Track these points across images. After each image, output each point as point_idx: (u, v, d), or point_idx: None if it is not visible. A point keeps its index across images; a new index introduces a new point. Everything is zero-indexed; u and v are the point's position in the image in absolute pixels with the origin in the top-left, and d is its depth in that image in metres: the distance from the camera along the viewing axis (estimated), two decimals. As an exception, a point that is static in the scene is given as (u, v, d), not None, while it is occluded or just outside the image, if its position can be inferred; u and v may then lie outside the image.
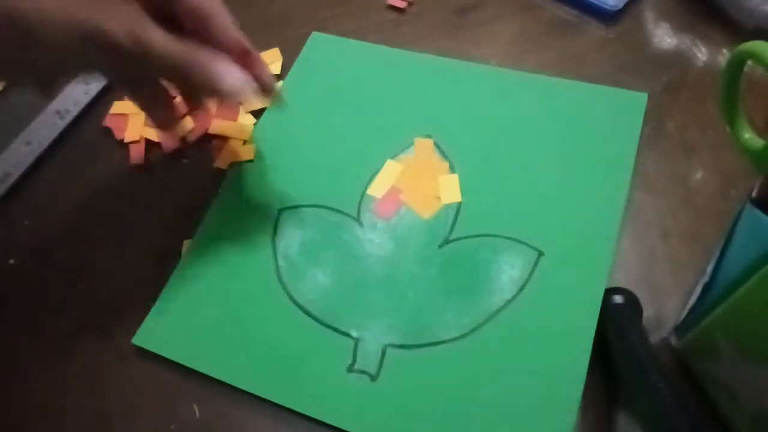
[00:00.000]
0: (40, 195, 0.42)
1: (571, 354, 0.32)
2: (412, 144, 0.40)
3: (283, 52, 0.45)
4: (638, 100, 0.40)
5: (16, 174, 0.42)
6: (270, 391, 0.33)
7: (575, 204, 0.36)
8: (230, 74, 0.31)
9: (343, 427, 0.31)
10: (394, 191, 0.39)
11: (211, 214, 0.39)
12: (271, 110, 0.43)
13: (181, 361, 0.34)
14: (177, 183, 0.41)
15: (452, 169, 0.39)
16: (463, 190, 0.38)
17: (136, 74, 0.31)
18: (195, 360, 0.34)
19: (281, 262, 0.37)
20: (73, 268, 0.38)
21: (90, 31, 0.28)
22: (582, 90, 0.41)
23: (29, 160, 0.43)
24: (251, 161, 0.41)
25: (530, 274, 0.34)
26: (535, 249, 0.35)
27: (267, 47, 0.46)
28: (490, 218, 0.37)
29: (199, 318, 0.35)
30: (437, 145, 0.40)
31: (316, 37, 0.46)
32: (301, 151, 0.41)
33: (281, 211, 0.39)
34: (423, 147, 0.40)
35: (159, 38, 0.29)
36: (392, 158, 0.40)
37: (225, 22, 0.32)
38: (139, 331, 0.35)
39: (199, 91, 0.34)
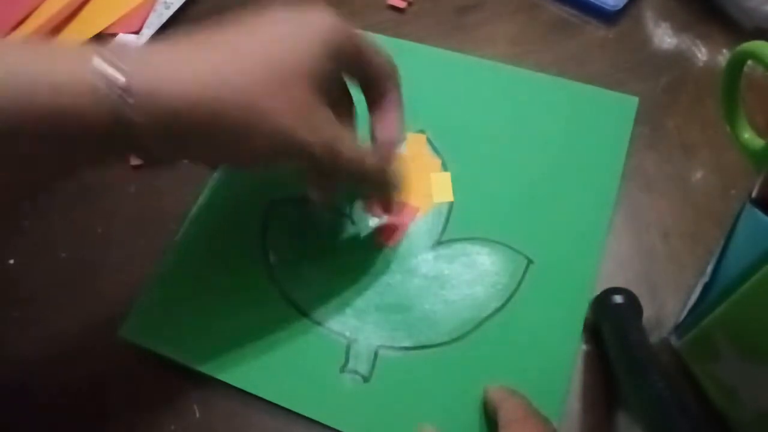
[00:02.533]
0: (40, 195, 0.42)
1: (555, 364, 0.32)
2: (404, 138, 0.40)
3: (283, 52, 0.45)
4: (629, 104, 0.40)
5: (16, 174, 0.42)
6: (261, 388, 0.33)
7: (564, 210, 0.36)
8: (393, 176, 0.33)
9: (336, 427, 0.31)
10: None
11: (200, 204, 0.39)
12: None
13: (168, 355, 0.34)
14: (177, 181, 0.41)
15: (444, 167, 0.39)
16: (455, 189, 0.38)
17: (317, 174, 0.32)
18: (183, 354, 0.34)
19: (272, 257, 0.37)
20: (73, 267, 0.38)
21: (291, 150, 0.28)
22: (576, 90, 0.41)
23: (29, 160, 0.42)
24: None
25: (519, 283, 0.34)
26: (525, 257, 0.35)
27: (267, 47, 0.46)
28: (481, 220, 0.36)
29: (186, 311, 0.35)
30: (430, 141, 0.40)
31: None
32: None
33: (272, 203, 0.38)
34: (416, 142, 0.40)
35: (350, 150, 0.30)
36: None
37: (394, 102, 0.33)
38: (124, 324, 0.35)
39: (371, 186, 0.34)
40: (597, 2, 0.45)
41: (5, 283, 0.38)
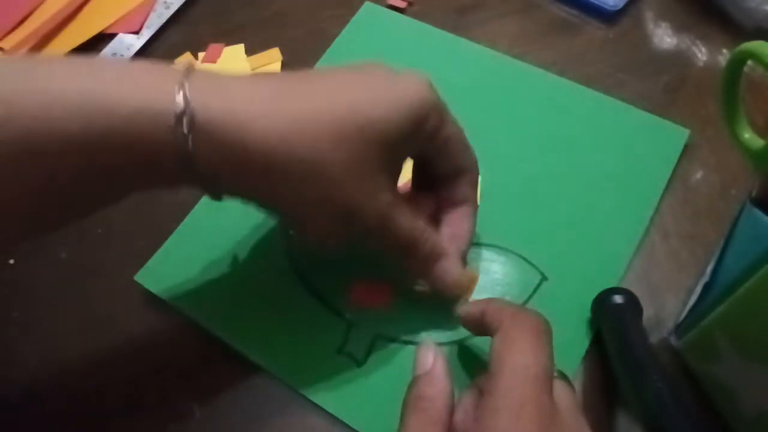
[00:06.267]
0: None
1: None
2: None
3: (283, 52, 0.45)
4: (679, 135, 0.38)
5: (16, 174, 0.42)
6: (257, 353, 0.33)
7: (589, 233, 0.36)
8: (447, 271, 0.32)
9: (320, 404, 0.32)
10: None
11: None
12: None
13: (176, 306, 0.35)
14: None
15: None
16: (482, 193, 0.37)
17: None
18: (190, 307, 0.35)
19: (291, 230, 0.37)
20: (73, 267, 0.38)
21: (345, 211, 0.28)
22: (625, 112, 0.39)
23: (29, 160, 0.42)
24: None
25: (529, 297, 0.34)
26: (539, 272, 0.35)
27: (267, 47, 0.46)
28: (503, 229, 0.36)
29: (203, 267, 0.36)
30: None
31: (367, 7, 0.46)
32: None
33: None
34: None
35: (403, 225, 0.30)
36: None
37: (468, 182, 0.33)
38: (142, 270, 0.36)
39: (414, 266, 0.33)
40: (597, 2, 0.45)
41: (5, 283, 0.38)
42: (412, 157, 0.32)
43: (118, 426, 0.33)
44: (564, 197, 0.37)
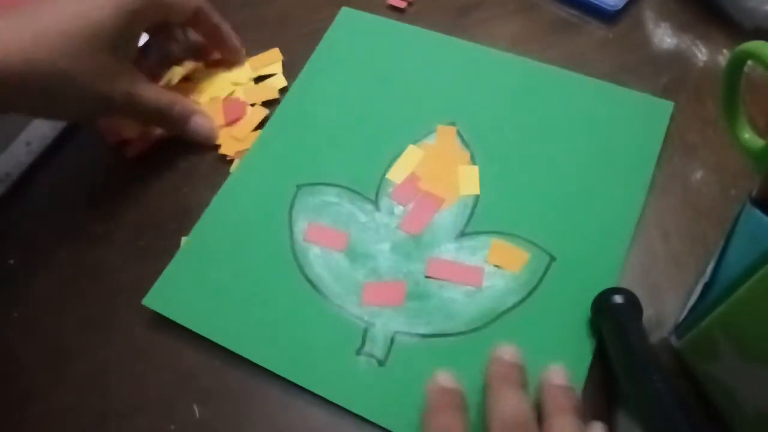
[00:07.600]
0: (40, 195, 0.42)
1: (571, 363, 0.31)
2: (434, 130, 0.40)
3: (283, 52, 0.45)
4: (663, 109, 0.39)
5: (15, 174, 0.42)
6: (275, 364, 0.33)
7: (591, 209, 0.36)
8: (200, 125, 0.41)
9: (347, 407, 0.32)
10: (412, 178, 0.39)
11: (230, 181, 0.39)
12: (297, 86, 0.43)
13: (187, 326, 0.35)
14: (178, 181, 0.41)
15: (473, 160, 0.39)
16: (482, 183, 0.38)
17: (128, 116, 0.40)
18: (202, 326, 0.34)
19: (297, 237, 0.37)
20: (73, 267, 0.38)
21: (97, 103, 0.36)
22: (610, 92, 0.40)
23: (29, 160, 0.43)
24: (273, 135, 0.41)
25: (540, 279, 0.34)
26: (548, 253, 0.35)
27: (267, 47, 0.46)
28: (506, 215, 0.37)
29: (210, 284, 0.36)
30: (460, 134, 0.40)
31: (345, 12, 0.46)
32: (324, 128, 0.41)
33: (300, 186, 0.39)
34: (445, 134, 0.40)
35: (147, 94, 0.38)
36: (414, 143, 0.40)
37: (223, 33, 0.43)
38: (149, 293, 0.36)
39: (173, 129, 0.41)
40: (597, 2, 0.45)
41: (5, 283, 0.38)
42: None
43: (118, 426, 0.33)
44: (559, 179, 0.37)
